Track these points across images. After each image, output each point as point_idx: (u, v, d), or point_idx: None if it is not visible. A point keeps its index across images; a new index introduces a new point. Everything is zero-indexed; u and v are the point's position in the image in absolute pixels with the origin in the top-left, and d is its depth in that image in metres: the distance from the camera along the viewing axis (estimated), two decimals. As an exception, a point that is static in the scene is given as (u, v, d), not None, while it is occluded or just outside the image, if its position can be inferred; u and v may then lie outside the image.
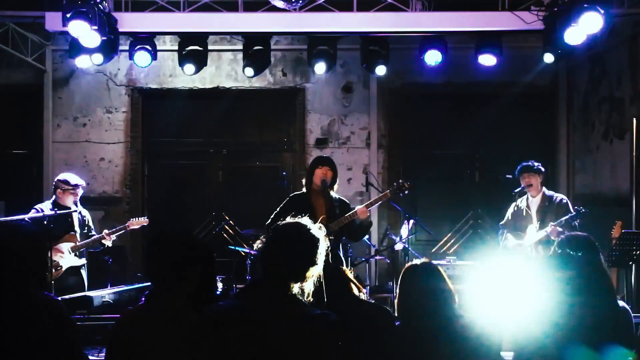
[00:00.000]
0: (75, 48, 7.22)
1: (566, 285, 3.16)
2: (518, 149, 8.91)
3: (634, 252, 5.98)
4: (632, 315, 3.29)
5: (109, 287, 6.77)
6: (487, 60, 7.38)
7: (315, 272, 2.67)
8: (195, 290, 2.91)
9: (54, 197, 6.43)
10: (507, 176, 6.84)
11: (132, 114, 9.18)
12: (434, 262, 3.28)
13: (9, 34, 8.33)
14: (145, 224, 6.80)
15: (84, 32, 6.57)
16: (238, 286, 6.74)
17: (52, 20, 7.06)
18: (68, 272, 6.38)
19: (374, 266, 8.63)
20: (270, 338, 2.51)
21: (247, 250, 7.08)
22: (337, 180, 5.88)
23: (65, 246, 6.34)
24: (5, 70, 9.07)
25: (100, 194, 9.12)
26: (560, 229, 6.12)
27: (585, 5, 6.13)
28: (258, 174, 9.36)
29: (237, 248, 7.22)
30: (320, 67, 7.64)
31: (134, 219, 6.83)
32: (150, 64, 7.68)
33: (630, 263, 6.18)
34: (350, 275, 3.45)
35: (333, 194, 5.81)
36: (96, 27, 6.59)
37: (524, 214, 6.57)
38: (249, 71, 7.73)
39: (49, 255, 5.91)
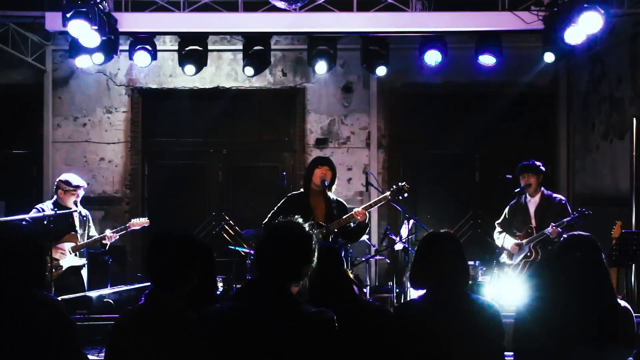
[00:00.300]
0: (75, 48, 7.22)
1: (567, 284, 3.16)
2: (518, 149, 8.92)
3: (634, 252, 5.99)
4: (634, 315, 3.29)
5: (109, 287, 6.77)
6: (487, 60, 7.38)
7: (309, 270, 2.67)
8: (195, 290, 2.92)
9: (54, 197, 6.43)
10: (507, 176, 6.84)
11: (132, 114, 9.18)
12: None
13: (9, 34, 8.33)
14: (146, 225, 6.80)
15: (84, 32, 6.57)
16: (238, 286, 6.74)
17: (52, 20, 7.06)
18: (68, 272, 6.38)
19: (374, 266, 8.63)
20: (267, 338, 2.52)
21: (247, 250, 7.08)
22: (336, 181, 5.88)
23: (66, 246, 6.34)
24: (5, 70, 9.07)
25: (100, 194, 9.12)
26: (560, 230, 6.12)
27: (585, 5, 6.13)
28: (258, 174, 9.36)
29: (237, 248, 7.22)
30: (320, 67, 7.64)
31: (135, 219, 6.83)
32: (150, 64, 7.68)
33: (630, 263, 6.18)
34: (351, 275, 3.46)
35: (331, 194, 5.80)
36: (96, 27, 6.59)
37: (522, 213, 6.56)
38: (249, 71, 7.73)
39: (49, 255, 5.92)
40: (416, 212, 8.37)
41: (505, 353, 3.17)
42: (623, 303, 3.25)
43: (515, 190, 6.56)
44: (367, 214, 5.78)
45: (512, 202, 6.69)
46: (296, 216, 2.79)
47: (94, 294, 6.18)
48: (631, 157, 7.24)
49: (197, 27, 7.41)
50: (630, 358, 3.17)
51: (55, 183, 6.50)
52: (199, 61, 7.68)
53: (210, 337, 2.59)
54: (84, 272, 6.58)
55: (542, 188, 6.56)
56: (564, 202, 6.58)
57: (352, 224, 5.73)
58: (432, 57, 7.38)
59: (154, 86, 9.17)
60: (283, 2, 6.90)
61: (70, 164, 8.99)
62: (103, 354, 2.94)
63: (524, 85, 8.99)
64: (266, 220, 5.68)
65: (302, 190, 5.92)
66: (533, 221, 6.48)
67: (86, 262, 6.62)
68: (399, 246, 6.91)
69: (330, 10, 7.34)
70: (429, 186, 8.98)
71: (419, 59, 7.57)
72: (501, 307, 3.30)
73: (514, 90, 8.98)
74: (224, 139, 9.44)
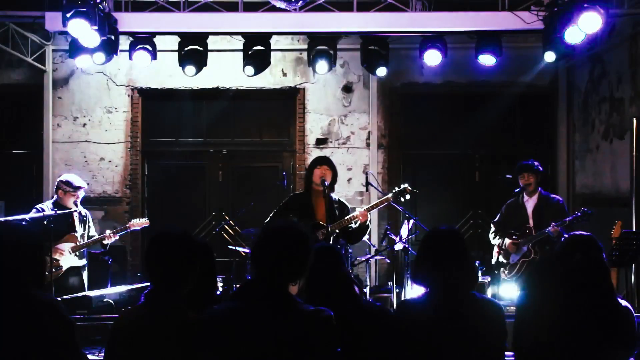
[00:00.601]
0: (75, 48, 7.22)
1: (568, 284, 3.15)
2: (518, 149, 8.93)
3: (634, 252, 5.99)
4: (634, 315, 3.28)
5: (109, 287, 6.77)
6: (487, 60, 7.38)
7: (306, 269, 2.67)
8: (195, 290, 2.92)
9: (55, 197, 6.43)
10: (507, 176, 6.84)
11: (132, 114, 9.18)
12: None
13: (9, 34, 8.33)
14: (146, 225, 6.79)
15: (83, 32, 6.56)
16: (238, 286, 6.73)
17: (52, 20, 7.06)
18: (68, 272, 6.38)
19: (374, 266, 8.63)
20: (266, 338, 2.52)
21: (247, 250, 7.08)
22: (337, 180, 5.88)
23: (66, 246, 6.34)
24: (5, 70, 9.07)
25: (100, 194, 9.12)
26: (560, 229, 6.12)
27: (585, 5, 6.13)
28: (258, 174, 9.36)
29: (237, 248, 7.22)
30: (320, 67, 7.63)
31: (135, 219, 6.82)
32: (150, 64, 7.68)
33: (631, 263, 6.18)
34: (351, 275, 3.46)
35: (333, 195, 5.81)
36: (96, 27, 6.58)
37: (520, 213, 6.56)
38: (249, 71, 7.72)
39: (49, 255, 5.92)
40: (416, 212, 8.37)
41: (506, 353, 3.16)
42: (624, 303, 3.25)
43: (516, 190, 6.56)
44: (369, 215, 5.79)
45: (509, 201, 6.70)
46: (291, 215, 2.80)
47: (94, 294, 6.18)
48: (631, 157, 7.24)
49: (197, 27, 7.41)
50: (631, 358, 3.16)
51: (56, 183, 6.50)
52: (199, 61, 7.67)
53: (209, 337, 2.59)
54: (84, 273, 6.58)
55: (540, 188, 6.57)
56: (561, 202, 6.61)
57: (353, 225, 5.73)
58: (432, 57, 7.38)
59: (154, 86, 9.17)
60: (283, 2, 6.90)
61: (70, 164, 8.99)
62: (103, 354, 2.94)
63: (524, 85, 8.99)
64: (268, 219, 5.69)
65: (304, 190, 5.93)
66: (530, 221, 6.49)
67: (86, 262, 6.62)
68: (399, 246, 6.91)
69: (330, 10, 7.34)
70: (429, 186, 8.97)
71: (419, 59, 7.58)
72: (503, 306, 3.26)
73: (514, 90, 8.99)
74: (224, 139, 9.44)
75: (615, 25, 7.17)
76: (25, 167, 9.23)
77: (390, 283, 7.64)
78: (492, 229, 6.76)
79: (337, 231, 5.68)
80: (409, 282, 6.48)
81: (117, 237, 6.61)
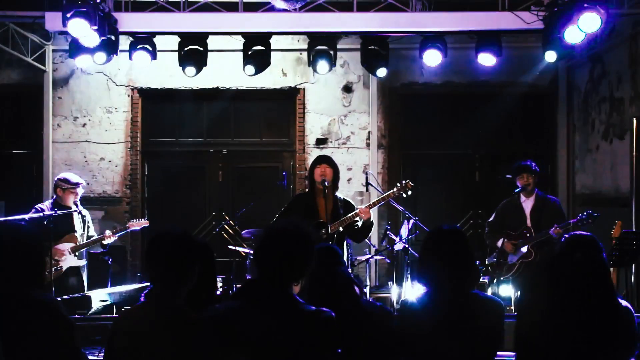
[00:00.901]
0: (75, 48, 7.21)
1: (568, 284, 3.15)
2: (518, 149, 8.92)
3: (634, 252, 5.98)
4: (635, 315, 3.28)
5: (109, 287, 6.77)
6: (487, 60, 7.37)
7: (309, 269, 2.67)
8: (195, 291, 2.91)
9: (54, 196, 6.43)
10: (507, 176, 6.84)
11: (132, 114, 9.17)
12: None
13: (9, 34, 8.33)
14: (146, 225, 6.79)
15: (83, 32, 6.56)
16: (238, 286, 6.73)
17: (52, 20, 7.05)
18: (68, 272, 6.38)
19: (374, 266, 8.62)
20: (267, 337, 2.52)
21: (247, 250, 7.08)
22: (340, 178, 5.90)
23: (66, 246, 6.34)
24: (5, 70, 9.07)
25: (100, 194, 9.12)
26: (562, 231, 6.11)
27: (585, 5, 6.13)
28: (258, 174, 9.36)
29: (237, 248, 7.22)
30: (320, 67, 7.63)
31: (135, 220, 6.82)
32: (150, 64, 7.67)
33: (631, 263, 6.18)
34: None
35: (338, 194, 5.83)
36: (96, 27, 6.58)
37: (517, 213, 6.55)
38: (249, 71, 7.71)
39: (49, 255, 5.92)
40: (416, 212, 8.37)
41: (506, 353, 3.16)
42: (624, 303, 3.24)
43: (516, 190, 6.56)
44: (371, 213, 5.80)
45: (504, 202, 6.70)
46: (294, 215, 2.81)
47: (94, 294, 6.18)
48: (631, 157, 7.24)
49: (197, 27, 7.41)
50: (632, 359, 3.16)
51: (54, 182, 6.51)
52: (199, 61, 7.67)
53: (210, 337, 2.59)
54: (84, 273, 6.57)
55: (536, 189, 6.57)
56: (558, 203, 6.71)
57: (358, 224, 5.74)
58: (432, 57, 7.38)
59: (154, 86, 9.17)
60: (283, 2, 6.90)
61: (70, 164, 8.99)
62: (103, 354, 2.94)
63: (524, 85, 8.99)
64: (274, 220, 5.69)
65: (308, 190, 5.96)
66: (528, 221, 6.48)
67: (86, 262, 6.62)
68: (399, 246, 6.91)
69: (330, 10, 7.34)
70: (429, 186, 8.96)
71: (419, 59, 7.58)
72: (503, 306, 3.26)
73: (514, 90, 8.98)
74: (224, 139, 9.44)
75: (615, 25, 7.17)
76: (25, 167, 9.23)
77: (390, 283, 7.64)
78: (487, 229, 6.77)
79: (341, 229, 5.68)
80: (409, 282, 6.49)
81: (116, 237, 6.61)
